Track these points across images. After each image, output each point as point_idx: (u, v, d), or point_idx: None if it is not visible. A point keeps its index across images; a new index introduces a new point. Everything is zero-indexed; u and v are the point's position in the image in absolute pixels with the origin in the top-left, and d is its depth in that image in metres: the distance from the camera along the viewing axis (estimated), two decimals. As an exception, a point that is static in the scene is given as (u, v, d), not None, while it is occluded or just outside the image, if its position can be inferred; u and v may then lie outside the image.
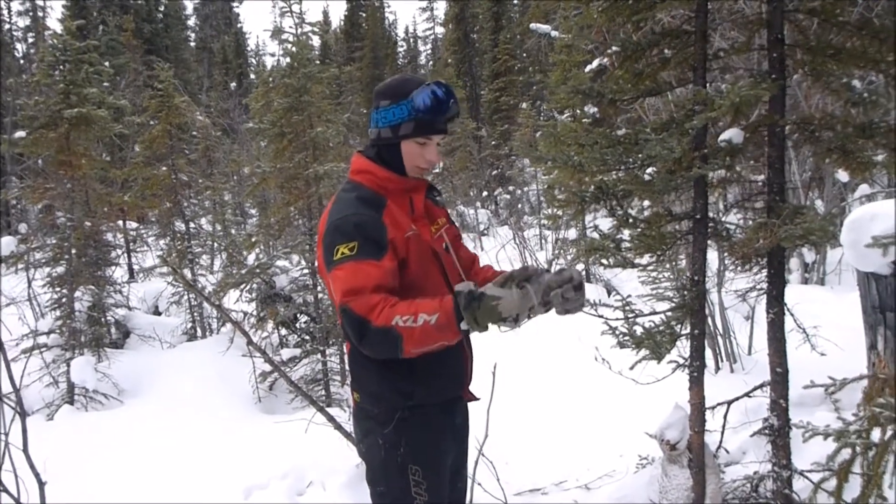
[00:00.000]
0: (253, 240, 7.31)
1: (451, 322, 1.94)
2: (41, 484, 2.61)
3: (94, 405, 6.43)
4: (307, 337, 6.79)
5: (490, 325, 1.93)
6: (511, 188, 19.25)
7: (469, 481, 4.03)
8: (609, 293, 8.61)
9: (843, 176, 8.14)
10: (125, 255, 11.02)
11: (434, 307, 1.96)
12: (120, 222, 10.56)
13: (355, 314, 2.05)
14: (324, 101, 6.69)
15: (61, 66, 7.19)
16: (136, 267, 11.07)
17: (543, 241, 12.91)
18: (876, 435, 2.14)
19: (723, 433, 3.95)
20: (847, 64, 3.14)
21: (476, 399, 2.63)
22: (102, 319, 7.60)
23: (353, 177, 2.37)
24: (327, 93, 7.03)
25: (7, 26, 36.51)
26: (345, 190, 2.37)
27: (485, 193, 21.16)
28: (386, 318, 1.99)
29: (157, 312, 9.37)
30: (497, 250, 11.07)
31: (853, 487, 2.25)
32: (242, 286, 6.98)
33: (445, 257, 2.43)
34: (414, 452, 2.30)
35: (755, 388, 3.73)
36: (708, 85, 3.28)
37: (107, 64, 9.50)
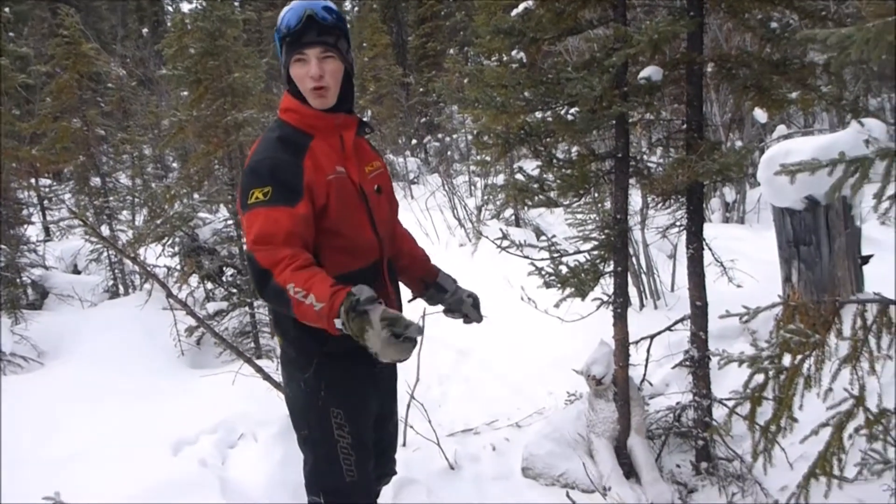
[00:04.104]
0: (172, 192, 7.10)
1: (331, 317, 1.91)
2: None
3: (13, 368, 6.21)
4: (234, 290, 6.68)
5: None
6: (440, 136, 19.15)
7: (401, 424, 4.07)
8: (538, 236, 8.69)
9: (761, 117, 8.36)
10: (39, 212, 10.60)
11: (324, 295, 1.92)
12: (32, 179, 10.13)
13: (259, 265, 2.03)
14: (241, 46, 6.48)
15: (-44, 13, 6.76)
16: (51, 225, 10.67)
17: (473, 187, 12.93)
18: (787, 360, 2.22)
19: (646, 367, 4.06)
20: (763, 1, 3.18)
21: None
22: (17, 280, 7.32)
23: (281, 115, 2.31)
24: (244, 37, 6.83)
25: None
26: (270, 129, 2.32)
27: (414, 141, 21.00)
28: (284, 280, 1.98)
29: (76, 271, 9.05)
30: (427, 197, 11.05)
31: (766, 411, 2.34)
32: (164, 240, 6.79)
33: (374, 199, 2.38)
34: (334, 396, 2.30)
35: (676, 322, 3.84)
36: (630, 25, 3.29)
37: (7, 10, 8.96)
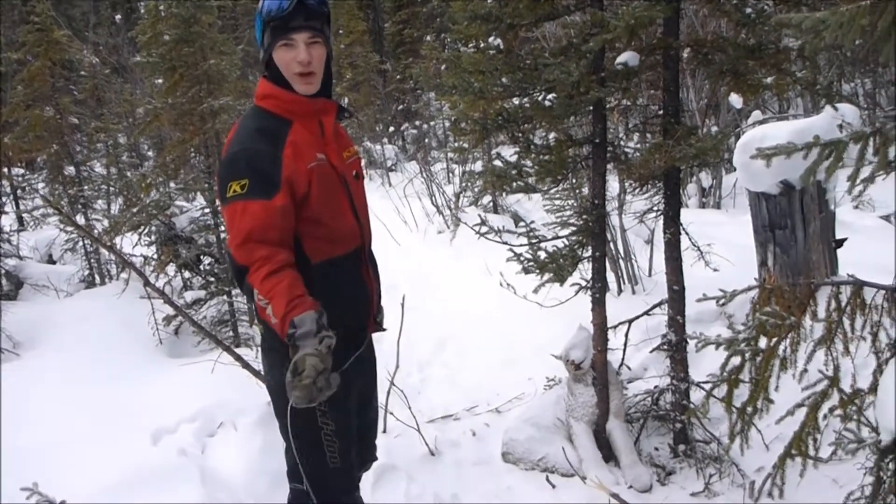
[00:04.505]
0: (148, 181, 7.01)
1: (283, 336, 2.02)
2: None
3: (-12, 359, 6.13)
4: (212, 279, 6.62)
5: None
6: (417, 123, 19.05)
7: (381, 411, 4.07)
8: (516, 222, 8.71)
9: (737, 102, 8.43)
10: (12, 201, 10.44)
11: (279, 313, 2.01)
12: (5, 168, 9.96)
13: (236, 261, 2.11)
14: (217, 32, 6.41)
15: (-77, -1, 6.61)
16: (25, 215, 10.51)
17: (451, 174, 12.91)
18: (763, 342, 2.25)
19: (625, 351, 4.09)
20: (737, -15, 3.20)
21: (382, 330, 2.63)
22: (-9, 270, 7.21)
23: (259, 102, 2.29)
24: (219, 24, 6.75)
25: None
26: (247, 118, 2.30)
27: (391, 129, 20.90)
28: (252, 283, 2.06)
29: (51, 261, 8.93)
30: (405, 185, 11.01)
31: (743, 394, 2.37)
32: (141, 229, 6.71)
33: (353, 185, 2.39)
34: None
35: (654, 307, 3.88)
36: (606, 10, 3.30)
37: (-24, -4, 8.81)
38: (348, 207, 2.33)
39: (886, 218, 7.22)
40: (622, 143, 3.60)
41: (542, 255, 3.39)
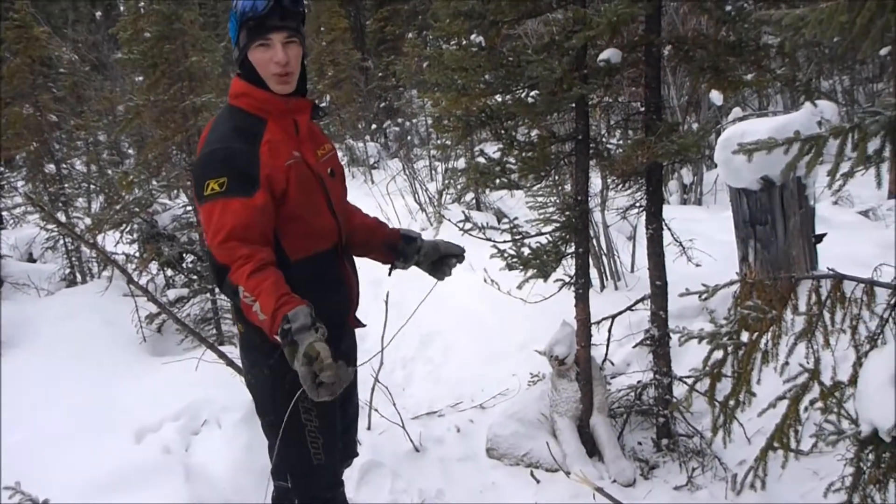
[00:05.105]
0: (130, 178, 6.96)
1: (273, 332, 1.97)
2: None
3: (-32, 359, 6.06)
4: (194, 276, 6.59)
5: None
6: (400, 120, 19.03)
7: (366, 408, 4.08)
8: (499, 219, 8.72)
9: (717, 99, 8.49)
10: (-9, 200, 10.33)
11: (268, 309, 1.96)
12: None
13: (216, 261, 2.08)
14: (198, 29, 6.38)
15: None
16: (4, 213, 10.40)
17: (434, 171, 12.91)
18: (745, 336, 2.28)
19: (608, 346, 4.11)
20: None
21: (362, 325, 2.63)
22: (-30, 269, 7.14)
23: (232, 101, 2.27)
24: (201, 21, 6.72)
25: None
26: (221, 117, 2.28)
27: (373, 126, 20.84)
28: (237, 280, 2.02)
29: (31, 259, 8.86)
30: (387, 182, 11.00)
31: (725, 388, 2.40)
32: (123, 227, 6.67)
33: (330, 183, 2.38)
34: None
35: (637, 302, 3.90)
36: (589, 7, 3.32)
37: (-47, -8, 8.71)
38: (325, 204, 2.33)
39: (865, 213, 7.30)
40: (605, 139, 3.63)
41: (526, 251, 3.41)
